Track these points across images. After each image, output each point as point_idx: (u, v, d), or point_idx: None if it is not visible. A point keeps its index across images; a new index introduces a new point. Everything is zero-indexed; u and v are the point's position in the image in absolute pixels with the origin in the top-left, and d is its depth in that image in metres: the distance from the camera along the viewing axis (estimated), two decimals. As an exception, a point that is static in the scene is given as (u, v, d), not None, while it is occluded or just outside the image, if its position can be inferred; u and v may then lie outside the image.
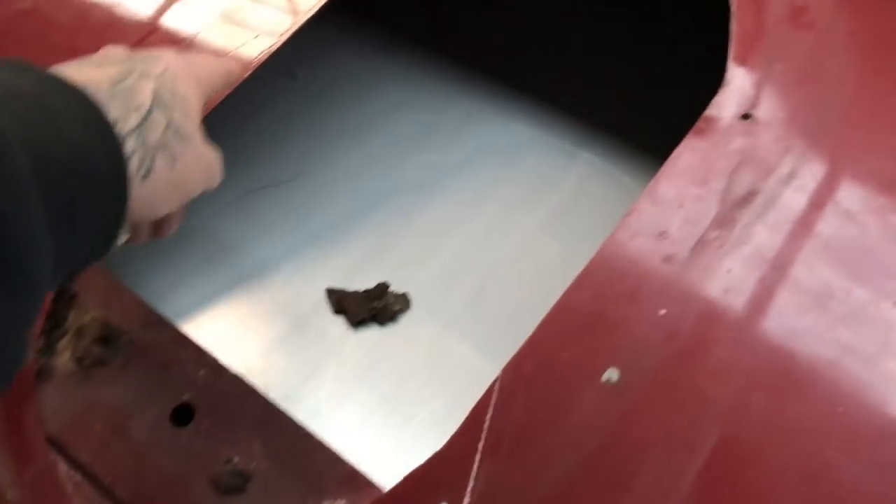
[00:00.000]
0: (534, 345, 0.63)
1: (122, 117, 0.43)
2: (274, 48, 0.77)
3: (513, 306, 0.83)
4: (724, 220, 0.67)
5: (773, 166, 0.69)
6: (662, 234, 0.67)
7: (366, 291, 0.83)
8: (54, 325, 0.70)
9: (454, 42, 1.08)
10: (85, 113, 0.41)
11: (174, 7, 0.86)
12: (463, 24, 1.11)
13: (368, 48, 1.07)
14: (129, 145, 0.43)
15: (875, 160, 0.68)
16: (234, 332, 0.80)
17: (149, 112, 0.45)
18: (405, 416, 0.75)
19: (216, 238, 0.88)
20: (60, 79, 0.42)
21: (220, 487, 0.61)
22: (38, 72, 0.42)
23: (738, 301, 0.63)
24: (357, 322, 0.82)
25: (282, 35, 0.78)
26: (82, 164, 0.39)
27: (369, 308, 0.81)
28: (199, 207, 0.93)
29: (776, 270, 0.65)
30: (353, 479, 0.61)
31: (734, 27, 0.75)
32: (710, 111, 0.71)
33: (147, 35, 0.85)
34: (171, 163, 0.46)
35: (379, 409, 0.75)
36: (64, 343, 0.69)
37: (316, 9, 0.80)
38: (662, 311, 0.63)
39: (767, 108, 0.71)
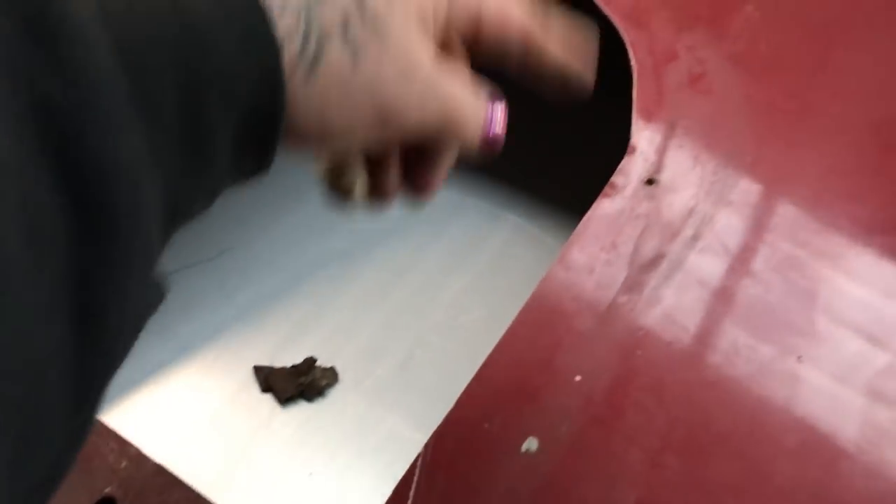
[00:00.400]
0: (454, 418, 0.64)
1: None
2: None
3: (442, 373, 0.84)
4: (634, 284, 0.69)
5: (678, 229, 0.71)
6: (575, 300, 0.69)
7: (293, 367, 0.83)
8: (-29, 422, 0.69)
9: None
10: None
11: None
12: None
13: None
14: (286, 20, 0.30)
15: (772, 218, 0.71)
16: (158, 418, 0.79)
17: None
18: (337, 493, 0.75)
19: (141, 320, 0.87)
20: None
21: (144, 583, 0.60)
22: None
23: (649, 364, 0.65)
24: (285, 399, 0.82)
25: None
26: (200, 42, 0.26)
27: (297, 384, 0.82)
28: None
29: (685, 331, 0.67)
30: (278, 567, 0.61)
31: (636, 94, 0.78)
32: (616, 178, 0.74)
33: None
34: (353, 57, 0.32)
35: (309, 490, 0.75)
36: (-19, 441, 0.68)
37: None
38: (578, 378, 0.65)
39: (670, 173, 0.74)
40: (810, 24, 0.83)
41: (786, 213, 0.71)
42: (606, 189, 0.74)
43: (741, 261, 0.69)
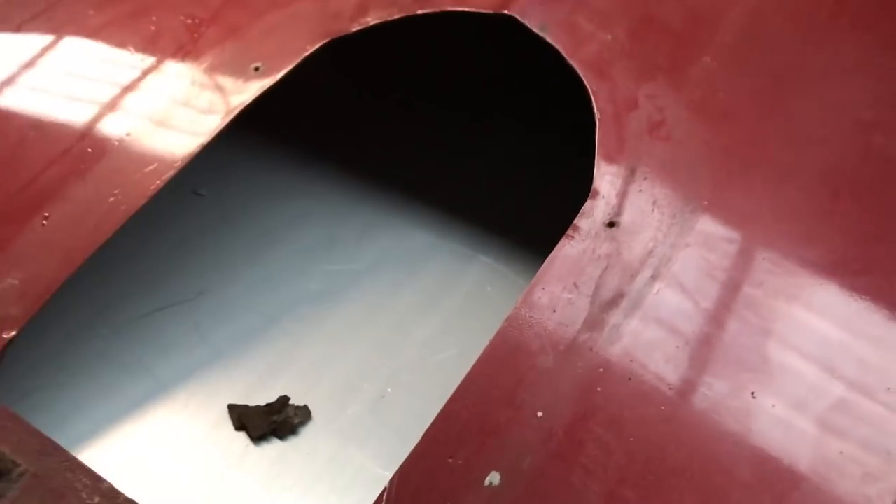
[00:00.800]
0: (420, 452, 0.66)
1: None
2: (164, 181, 0.81)
3: (413, 412, 0.85)
4: (594, 322, 0.72)
5: (636, 269, 0.74)
6: (538, 338, 0.71)
7: (267, 405, 0.85)
8: (-55, 460, 0.70)
9: (355, 155, 1.13)
10: None
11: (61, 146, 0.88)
12: (363, 138, 1.17)
13: (272, 163, 1.12)
14: None
15: (727, 259, 0.74)
16: (133, 454, 0.81)
17: None
18: (306, 529, 0.76)
19: (117, 360, 0.89)
20: None
21: None
22: None
23: (608, 400, 0.67)
24: (258, 437, 0.83)
25: (174, 165, 0.82)
26: None
27: (270, 422, 0.83)
28: (100, 330, 0.96)
29: (643, 368, 0.69)
30: None
31: (598, 140, 0.81)
32: (579, 220, 0.77)
33: (32, 179, 0.87)
34: None
35: (280, 524, 0.77)
36: (-45, 479, 0.69)
37: (208, 139, 0.85)
38: (539, 414, 0.67)
39: (630, 216, 0.77)
40: (765, 74, 0.87)
41: (741, 255, 0.74)
42: (569, 231, 0.76)
43: (698, 300, 0.72)
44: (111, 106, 0.91)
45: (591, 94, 0.85)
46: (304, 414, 0.85)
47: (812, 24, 0.92)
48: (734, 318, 0.71)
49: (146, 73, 0.95)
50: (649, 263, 0.74)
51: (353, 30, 0.94)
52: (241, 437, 0.84)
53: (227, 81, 0.92)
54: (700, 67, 0.88)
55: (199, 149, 0.85)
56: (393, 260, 1.01)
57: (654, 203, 0.78)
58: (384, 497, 0.64)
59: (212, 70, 0.94)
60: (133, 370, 0.89)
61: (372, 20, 0.94)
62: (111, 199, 0.83)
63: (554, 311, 0.72)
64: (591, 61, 0.87)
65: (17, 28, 1.03)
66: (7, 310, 0.77)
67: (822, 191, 0.77)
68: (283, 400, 0.85)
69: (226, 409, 0.86)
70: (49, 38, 1.01)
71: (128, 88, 0.93)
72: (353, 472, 0.81)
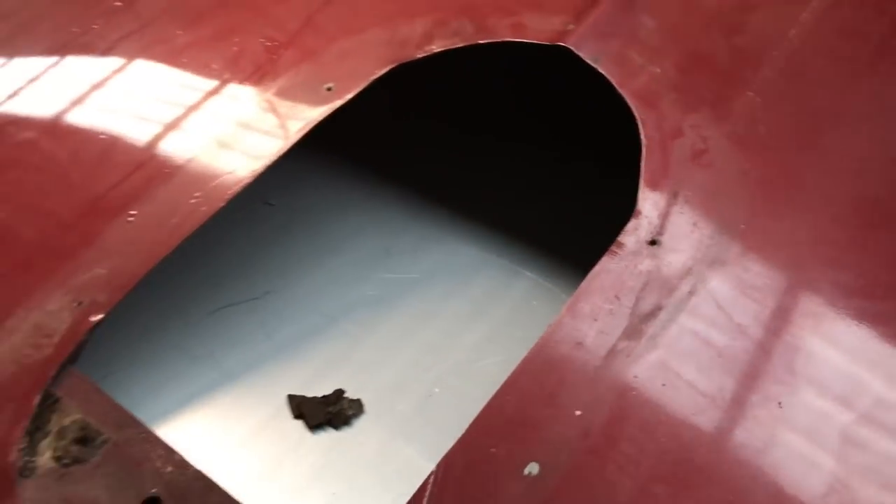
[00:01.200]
0: (465, 442, 0.72)
1: None
2: (242, 185, 0.89)
3: (458, 411, 0.90)
4: (633, 332, 0.77)
5: (675, 286, 0.79)
6: (579, 345, 0.76)
7: (323, 397, 0.91)
8: (37, 426, 0.78)
9: (412, 174, 1.21)
10: None
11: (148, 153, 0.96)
12: (419, 158, 1.25)
13: (336, 179, 1.20)
14: None
15: (761, 280, 0.79)
16: (201, 433, 0.88)
17: None
18: (354, 513, 0.82)
19: (189, 350, 0.97)
20: None
21: (181, 574, 0.68)
22: None
23: (643, 403, 0.72)
24: (314, 426, 0.90)
25: (252, 172, 0.90)
26: None
27: (325, 413, 0.90)
28: (176, 323, 1.04)
29: (677, 377, 0.74)
30: (301, 566, 0.68)
31: (643, 165, 0.87)
32: (622, 237, 0.82)
33: (121, 181, 0.95)
34: None
35: (331, 506, 0.83)
36: (46, 443, 0.77)
37: (283, 150, 0.93)
38: (578, 412, 0.72)
39: (671, 236, 0.82)
40: (805, 110, 0.92)
41: (774, 275, 0.79)
42: (612, 247, 0.82)
43: (731, 316, 0.77)
44: (195, 117, 1.00)
45: (639, 122, 0.91)
46: (357, 407, 0.91)
47: (853, 66, 0.97)
48: (766, 333, 0.75)
49: (226, 90, 1.03)
50: (687, 280, 0.79)
51: (418, 56, 1.02)
52: (299, 425, 0.90)
53: (300, 99, 0.99)
54: (743, 102, 0.93)
55: (273, 159, 0.93)
56: (444, 272, 1.08)
57: (694, 224, 0.83)
58: (430, 481, 0.70)
59: (287, 88, 1.02)
60: (202, 360, 0.96)
61: (436, 48, 1.02)
62: (192, 201, 0.91)
63: (595, 320, 0.78)
64: (640, 92, 0.93)
65: (112, 45, 1.13)
66: (95, 296, 0.85)
67: (855, 220, 0.82)
68: (339, 393, 0.92)
69: (285, 399, 0.93)
70: (141, 55, 1.11)
71: (209, 104, 1.02)
72: (400, 463, 0.86)
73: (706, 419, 0.71)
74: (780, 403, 0.71)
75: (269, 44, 1.07)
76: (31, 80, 1.09)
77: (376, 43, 1.03)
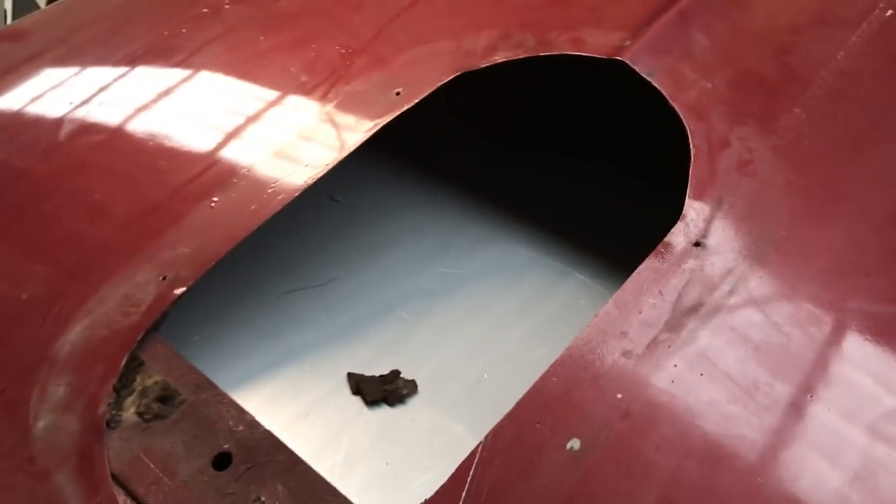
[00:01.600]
0: (512, 417, 0.77)
1: None
2: (316, 178, 0.96)
3: (506, 396, 0.96)
4: (674, 325, 0.82)
5: (716, 284, 0.84)
6: (623, 334, 0.82)
7: (381, 376, 0.98)
8: (123, 384, 0.86)
9: (471, 176, 1.28)
10: None
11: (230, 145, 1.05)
12: (479, 161, 1.32)
13: (397, 178, 1.28)
14: None
15: (799, 282, 0.83)
16: (268, 403, 0.95)
17: None
18: (405, 482, 0.88)
19: (258, 328, 1.05)
20: None
21: (249, 520, 0.74)
22: None
23: (681, 389, 0.77)
24: (371, 402, 0.96)
25: (326, 165, 0.98)
26: None
27: (382, 390, 0.96)
28: (248, 302, 1.12)
29: (714, 366, 0.79)
30: (357, 519, 0.74)
31: (692, 171, 0.92)
32: (669, 238, 0.88)
33: (206, 169, 1.04)
34: None
35: (384, 475, 0.89)
36: (130, 400, 0.85)
37: (354, 147, 1.00)
38: (619, 395, 0.77)
39: (715, 238, 0.87)
40: (850, 127, 0.96)
41: (811, 279, 0.83)
42: (659, 247, 0.87)
43: (768, 314, 0.81)
44: (274, 114, 1.08)
45: (688, 132, 0.96)
46: (411, 387, 0.98)
47: (898, 86, 1.01)
48: (801, 331, 0.80)
49: (304, 91, 1.12)
50: (728, 280, 0.84)
51: (482, 66, 1.09)
52: (356, 400, 0.97)
53: (371, 102, 1.07)
54: (790, 117, 0.98)
55: (344, 156, 1.01)
56: (497, 269, 1.14)
57: (737, 229, 0.88)
58: (478, 450, 0.76)
59: (359, 92, 1.09)
60: (270, 338, 1.04)
61: (499, 58, 1.09)
62: (270, 190, 0.99)
63: (640, 313, 0.83)
64: (691, 105, 0.99)
65: (199, 47, 1.23)
66: (178, 271, 0.93)
67: (892, 230, 0.86)
68: (395, 373, 0.98)
69: (345, 377, 0.99)
70: (225, 56, 1.20)
71: (287, 102, 1.10)
72: (449, 440, 0.92)
73: (740, 407, 0.75)
74: (811, 396, 0.75)
75: (343, 51, 1.16)
76: (124, 76, 1.20)
77: (443, 52, 1.11)
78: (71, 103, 1.16)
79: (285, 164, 1.01)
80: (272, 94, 1.11)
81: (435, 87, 1.06)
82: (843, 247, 0.85)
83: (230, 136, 1.06)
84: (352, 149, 1.02)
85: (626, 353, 0.80)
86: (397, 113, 1.04)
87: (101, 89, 1.18)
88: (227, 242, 0.95)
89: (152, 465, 0.80)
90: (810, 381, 0.76)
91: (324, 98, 1.10)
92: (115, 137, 1.08)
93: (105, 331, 0.89)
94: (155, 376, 0.87)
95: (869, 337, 0.79)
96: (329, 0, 1.26)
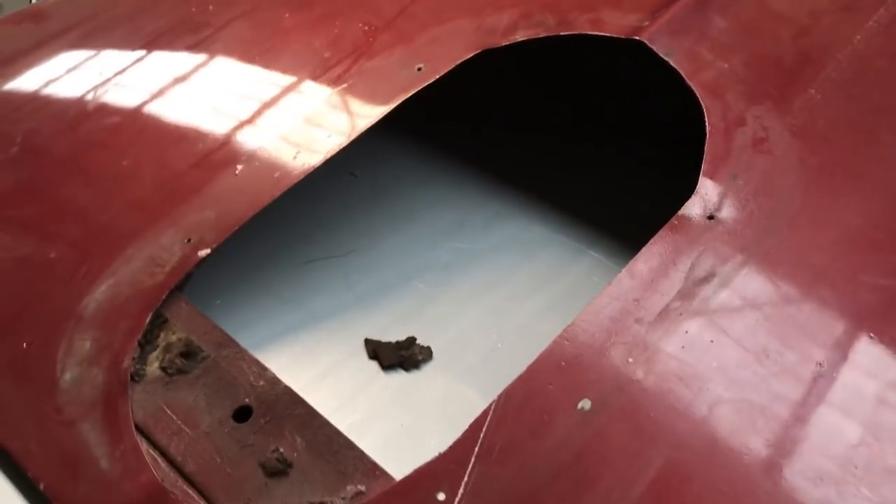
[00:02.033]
0: (525, 378, 0.79)
1: None
2: (338, 148, 0.99)
3: (518, 364, 0.98)
4: (686, 294, 0.84)
5: (728, 256, 0.86)
6: (636, 301, 0.83)
7: (397, 342, 1.00)
8: (147, 340, 0.88)
9: (489, 152, 1.30)
10: None
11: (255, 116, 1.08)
12: (497, 138, 1.34)
13: (415, 154, 1.30)
14: None
15: (811, 256, 0.85)
16: (288, 365, 0.97)
17: None
18: (419, 441, 0.90)
19: (279, 294, 1.07)
20: None
21: (268, 470, 0.76)
22: None
23: (691, 355, 0.79)
24: (387, 366, 0.98)
25: (347, 136, 1.00)
26: None
27: (398, 356, 0.98)
28: (269, 268, 1.14)
29: (724, 335, 0.80)
30: (372, 471, 0.76)
31: (707, 148, 0.94)
32: (683, 211, 0.89)
33: (230, 139, 1.06)
34: None
35: (398, 435, 0.91)
36: (154, 355, 0.87)
37: (375, 120, 1.02)
38: (630, 360, 0.79)
39: (728, 212, 0.89)
40: (864, 108, 0.98)
41: (823, 251, 0.85)
42: (673, 219, 0.89)
43: (779, 285, 0.83)
44: (301, 87, 1.11)
45: (704, 111, 0.98)
46: (426, 353, 1.00)
47: (914, 70, 1.02)
48: (812, 301, 0.81)
49: (328, 65, 1.14)
50: (741, 252, 0.86)
51: (503, 44, 1.11)
52: (373, 365, 0.99)
53: (394, 76, 1.09)
54: (805, 98, 0.99)
55: (368, 125, 1.03)
56: (512, 246, 1.16)
57: (751, 204, 0.89)
58: (491, 409, 0.78)
59: (382, 67, 1.12)
60: (290, 304, 1.06)
61: (520, 37, 1.11)
62: (293, 158, 1.01)
63: (652, 281, 0.85)
64: (708, 84, 1.00)
65: (226, 23, 1.26)
66: (203, 234, 0.95)
67: (903, 207, 0.88)
68: (411, 339, 1.00)
69: (363, 342, 1.02)
70: (252, 32, 1.23)
71: (311, 76, 1.13)
72: (462, 404, 0.94)
73: (750, 373, 0.77)
74: (820, 363, 0.77)
75: (367, 28, 1.18)
76: (150, 52, 1.22)
77: (465, 30, 1.13)
78: (101, 74, 1.19)
79: (307, 135, 1.04)
80: (295, 69, 1.13)
81: (456, 64, 1.08)
82: (856, 222, 0.87)
83: (255, 109, 1.09)
84: (372, 122, 1.04)
85: (638, 320, 0.82)
86: (418, 88, 1.06)
87: (130, 64, 1.21)
88: (250, 208, 0.97)
89: (174, 417, 0.83)
90: (820, 350, 0.78)
91: (347, 73, 1.12)
92: (142, 110, 1.11)
93: (130, 289, 0.92)
94: (178, 333, 0.90)
95: (880, 309, 0.80)
96: (353, -22, 1.28)
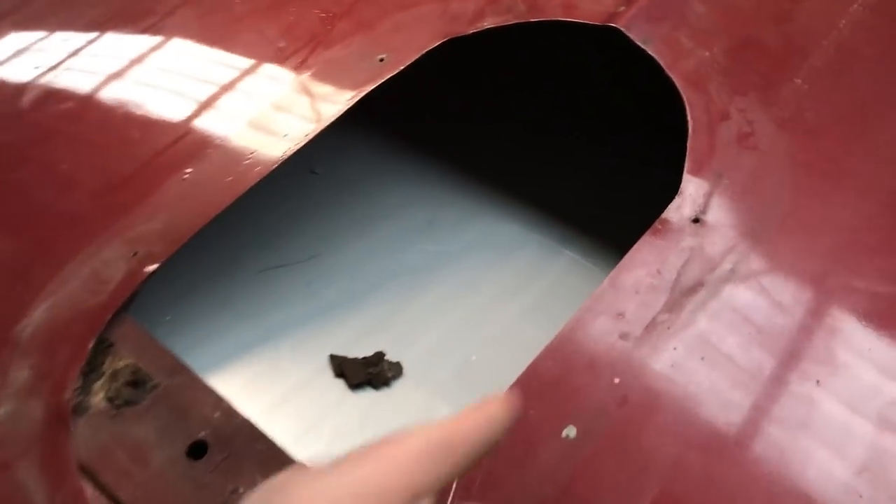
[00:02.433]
0: (504, 403, 0.73)
1: None
2: (296, 149, 0.91)
3: (495, 378, 0.92)
4: (673, 306, 0.78)
5: (717, 263, 0.80)
6: (620, 315, 0.78)
7: (364, 358, 0.94)
8: (91, 368, 0.81)
9: (458, 149, 1.23)
10: None
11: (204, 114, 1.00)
12: (466, 133, 1.27)
13: (381, 150, 1.22)
14: None
15: (803, 261, 0.80)
16: (246, 387, 0.90)
17: None
18: (392, 469, 0.84)
19: (236, 307, 1.00)
20: None
21: (226, 513, 0.70)
22: None
23: (682, 374, 0.74)
24: (354, 385, 0.92)
25: (306, 136, 0.92)
26: None
27: (366, 373, 0.92)
28: (224, 280, 1.07)
29: (715, 350, 0.75)
30: (341, 511, 0.70)
31: (690, 145, 0.88)
32: (666, 214, 0.84)
33: (178, 140, 0.98)
34: None
35: (369, 461, 0.85)
36: (99, 384, 0.80)
37: (335, 116, 0.95)
38: (616, 380, 0.74)
39: (714, 214, 0.83)
40: (852, 99, 0.92)
41: (816, 256, 0.80)
42: (656, 224, 0.83)
43: (772, 295, 0.78)
44: (249, 82, 1.02)
45: (686, 103, 0.92)
46: (396, 369, 0.94)
47: (902, 57, 0.97)
48: (806, 314, 0.76)
49: (282, 57, 1.06)
50: (729, 259, 0.80)
51: (470, 32, 1.03)
52: (339, 383, 0.93)
53: (353, 68, 1.02)
54: (791, 88, 0.94)
55: (326, 124, 0.95)
56: (485, 247, 1.09)
57: (738, 205, 0.84)
58: (469, 439, 0.72)
59: (341, 58, 1.04)
60: (247, 318, 0.99)
61: (488, 24, 1.03)
62: (246, 161, 0.94)
63: (637, 293, 0.79)
64: (688, 75, 0.95)
65: (172, 10, 1.16)
66: (150, 247, 0.88)
67: (898, 207, 0.83)
68: (380, 355, 0.94)
69: (327, 359, 0.95)
70: (199, 21, 1.14)
71: (264, 69, 1.05)
72: (437, 424, 0.89)
73: (744, 393, 0.72)
74: (818, 382, 0.72)
75: (324, 14, 1.10)
76: (90, 41, 1.13)
77: (430, 17, 1.05)
78: (36, 68, 1.10)
79: (262, 135, 0.96)
80: (248, 61, 1.05)
81: (421, 54, 1.01)
82: (849, 225, 0.82)
83: (204, 106, 1.01)
84: (332, 118, 0.96)
85: (624, 336, 0.76)
86: (381, 80, 0.99)
87: (66, 58, 1.11)
88: (201, 217, 0.89)
89: (122, 455, 0.76)
90: (816, 366, 0.73)
91: (303, 65, 1.04)
92: (81, 106, 1.02)
93: (71, 311, 0.84)
94: (125, 359, 0.82)
95: (879, 320, 0.76)
96: (308, -39, 1.19)
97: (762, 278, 0.79)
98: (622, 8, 1.00)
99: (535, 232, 1.12)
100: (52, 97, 1.05)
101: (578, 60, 1.25)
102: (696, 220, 0.83)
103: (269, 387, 0.92)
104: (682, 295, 0.79)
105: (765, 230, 0.82)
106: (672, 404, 0.72)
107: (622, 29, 0.98)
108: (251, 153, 0.94)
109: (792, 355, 0.74)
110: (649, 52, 0.96)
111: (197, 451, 0.75)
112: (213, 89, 1.01)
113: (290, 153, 0.93)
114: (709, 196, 0.85)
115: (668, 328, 0.76)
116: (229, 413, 0.78)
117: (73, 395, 0.78)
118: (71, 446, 0.75)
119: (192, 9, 1.17)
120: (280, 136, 0.95)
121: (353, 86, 0.99)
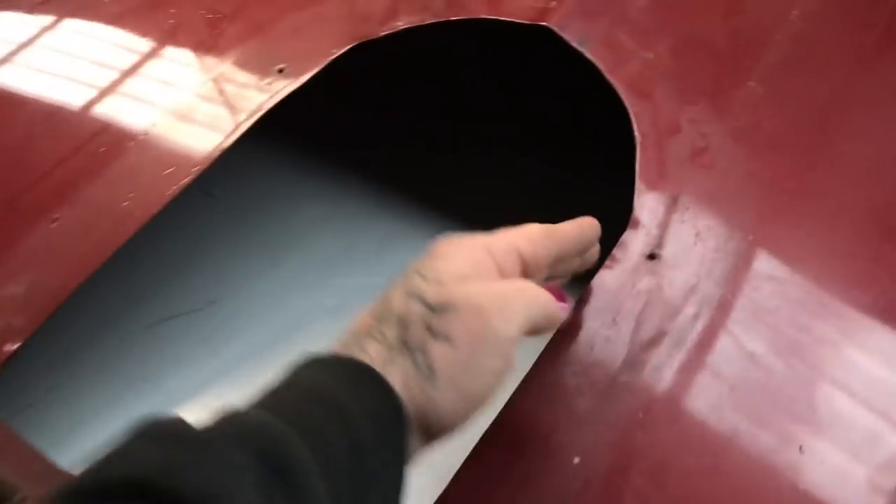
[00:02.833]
0: (447, 499, 0.62)
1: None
2: (187, 182, 0.77)
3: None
4: (635, 362, 0.68)
5: (679, 307, 0.70)
6: (574, 377, 0.67)
7: (279, 428, 0.81)
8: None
9: (375, 163, 1.09)
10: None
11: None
12: (384, 146, 1.13)
13: (288, 167, 1.08)
14: (396, 364, 0.49)
15: (775, 301, 0.70)
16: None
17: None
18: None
19: (123, 372, 0.85)
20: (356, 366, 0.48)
21: None
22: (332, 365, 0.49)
23: (650, 447, 0.64)
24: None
25: (194, 169, 0.78)
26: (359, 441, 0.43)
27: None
28: (105, 340, 0.91)
29: (685, 414, 0.65)
30: None
31: (638, 166, 0.78)
32: (618, 251, 0.73)
33: (63, 162, 0.83)
34: (449, 343, 0.48)
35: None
36: (-50, 504, 0.65)
37: (232, 140, 0.81)
38: (576, 460, 0.63)
39: (672, 248, 0.73)
40: (811, 103, 0.83)
41: (788, 295, 0.71)
42: (607, 262, 0.73)
43: (743, 343, 0.68)
44: (126, 104, 0.87)
45: (631, 115, 0.81)
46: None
47: (859, 51, 0.88)
48: (781, 364, 0.67)
49: (163, 70, 0.90)
50: (692, 301, 0.70)
51: (382, 34, 0.90)
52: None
53: (249, 81, 0.87)
54: (745, 92, 0.84)
55: (218, 152, 0.81)
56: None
57: (697, 235, 0.74)
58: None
59: (233, 69, 0.89)
60: (139, 383, 0.85)
61: (402, 24, 0.90)
62: (125, 203, 0.79)
63: (592, 349, 0.69)
64: (632, 81, 0.83)
65: (31, 8, 0.99)
66: (9, 320, 0.73)
67: (873, 230, 0.74)
68: (297, 423, 0.81)
69: (236, 430, 0.82)
70: (60, 25, 0.97)
71: (142, 87, 0.89)
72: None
73: (721, 467, 0.63)
74: (801, 448, 0.63)
75: (210, 16, 0.94)
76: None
77: (335, 18, 0.91)
78: None
79: (147, 166, 0.81)
80: (119, 79, 0.89)
81: (327, 62, 0.87)
82: (821, 253, 0.73)
83: (73, 135, 0.85)
84: (229, 143, 0.83)
85: (581, 403, 0.66)
86: (281, 96, 0.85)
87: None
88: (74, 276, 0.74)
89: None
90: (799, 427, 0.64)
91: (189, 77, 0.89)
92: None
93: None
94: (-19, 467, 0.68)
95: (861, 364, 0.67)
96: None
97: (729, 323, 0.70)
98: (553, 3, 0.89)
99: (467, 254, 1.00)
100: None
101: (508, 64, 1.13)
102: (651, 257, 0.73)
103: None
104: (643, 348, 0.68)
105: (728, 264, 0.72)
106: (642, 483, 0.62)
107: (555, 28, 0.86)
108: (132, 192, 0.80)
109: (770, 416, 0.64)
110: (587, 56, 0.85)
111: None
112: (83, 114, 0.86)
113: (176, 190, 0.79)
114: (664, 226, 0.75)
115: (631, 391, 0.66)
116: None
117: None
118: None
119: (54, 9, 0.99)
120: (167, 167, 0.81)
121: (250, 103, 0.85)
